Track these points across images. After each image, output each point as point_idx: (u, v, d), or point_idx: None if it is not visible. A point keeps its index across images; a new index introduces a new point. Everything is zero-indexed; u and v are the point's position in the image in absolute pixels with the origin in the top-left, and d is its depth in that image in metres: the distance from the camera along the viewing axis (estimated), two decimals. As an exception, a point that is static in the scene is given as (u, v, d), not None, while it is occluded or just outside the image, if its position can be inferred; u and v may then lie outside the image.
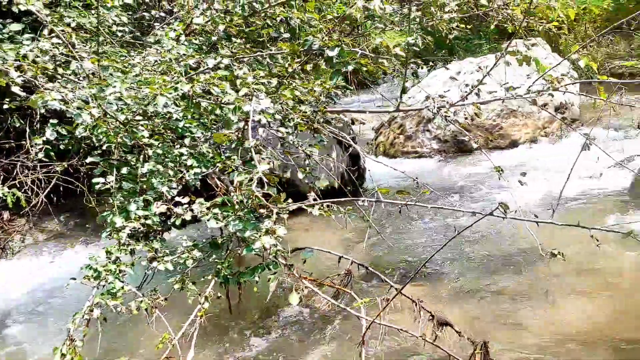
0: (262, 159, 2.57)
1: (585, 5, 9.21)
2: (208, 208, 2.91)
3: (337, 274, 3.29)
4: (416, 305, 2.80)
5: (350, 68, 2.49)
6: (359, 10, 2.39)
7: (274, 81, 3.08)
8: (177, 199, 2.91)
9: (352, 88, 10.58)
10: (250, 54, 3.08)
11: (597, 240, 2.28)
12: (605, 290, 3.22)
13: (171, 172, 3.27)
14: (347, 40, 2.52)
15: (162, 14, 5.71)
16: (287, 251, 3.74)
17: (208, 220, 2.88)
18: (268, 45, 3.14)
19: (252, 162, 3.13)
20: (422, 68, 13.76)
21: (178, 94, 3.18)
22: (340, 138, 4.22)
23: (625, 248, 3.49)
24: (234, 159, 3.28)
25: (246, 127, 3.32)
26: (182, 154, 3.31)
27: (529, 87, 3.51)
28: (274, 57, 3.10)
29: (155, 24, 5.50)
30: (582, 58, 4.40)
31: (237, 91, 2.91)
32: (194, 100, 3.26)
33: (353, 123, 10.10)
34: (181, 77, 3.31)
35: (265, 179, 2.25)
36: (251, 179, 2.29)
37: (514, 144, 6.82)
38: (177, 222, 2.97)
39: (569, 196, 4.70)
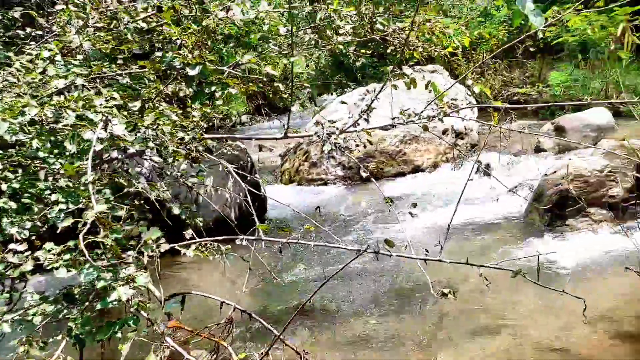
0: (99, 198, 2.17)
1: (480, 32, 9.59)
2: (59, 254, 2.46)
3: (216, 323, 2.90)
4: (301, 357, 2.47)
5: (214, 89, 2.17)
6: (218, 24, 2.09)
7: (138, 104, 2.69)
8: (11, 246, 2.43)
9: (236, 115, 10.30)
10: (108, 73, 2.69)
11: (487, 280, 2.08)
12: (502, 328, 3.05)
13: (33, 209, 2.79)
14: (212, 57, 2.19)
15: (40, 32, 5.16)
16: (162, 298, 3.31)
17: (57, 268, 2.42)
18: (129, 63, 2.77)
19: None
20: (331, 94, 13.90)
21: (25, 119, 2.72)
22: (227, 167, 3.85)
23: (519, 281, 3.37)
24: (104, 192, 2.86)
25: (109, 156, 2.92)
26: (47, 188, 2.84)
27: (421, 112, 3.37)
28: (138, 77, 2.72)
29: (32, 42, 4.96)
30: (476, 85, 4.36)
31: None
32: (46, 127, 2.81)
33: (260, 149, 9.78)
34: (30, 100, 2.85)
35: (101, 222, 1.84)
36: (84, 223, 1.88)
37: (417, 170, 6.78)
38: (15, 274, 2.48)
39: (466, 223, 4.64)
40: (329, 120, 3.34)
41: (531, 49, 8.60)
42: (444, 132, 6.98)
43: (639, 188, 3.73)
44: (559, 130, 6.62)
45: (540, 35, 3.95)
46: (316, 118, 7.44)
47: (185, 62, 2.17)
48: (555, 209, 4.35)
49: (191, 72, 2.12)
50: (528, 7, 4.11)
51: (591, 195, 4.24)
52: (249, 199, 3.59)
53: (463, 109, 4.09)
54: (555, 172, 4.49)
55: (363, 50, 6.05)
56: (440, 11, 3.65)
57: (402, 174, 6.72)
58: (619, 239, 3.45)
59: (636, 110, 7.62)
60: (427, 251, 2.60)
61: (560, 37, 8.96)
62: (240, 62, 2.27)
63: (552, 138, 6.16)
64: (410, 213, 2.76)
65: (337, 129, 3.29)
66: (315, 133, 3.31)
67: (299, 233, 5.07)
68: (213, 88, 2.16)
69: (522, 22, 4.66)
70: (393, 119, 4.24)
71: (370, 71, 12.11)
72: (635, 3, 7.36)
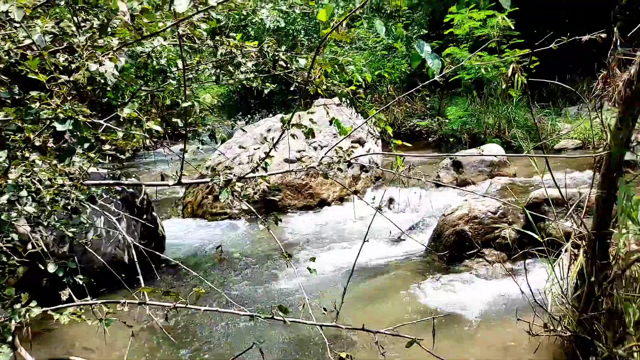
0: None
1: (380, 72, 9.92)
2: None
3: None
4: None
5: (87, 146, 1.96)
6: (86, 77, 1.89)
7: (3, 154, 2.40)
8: None
9: (130, 149, 9.82)
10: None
11: (382, 348, 2.01)
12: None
13: None
14: (85, 109, 1.97)
15: None
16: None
17: None
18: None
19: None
20: (240, 120, 13.65)
21: None
22: (112, 219, 3.57)
23: (421, 332, 3.34)
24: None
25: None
26: None
27: (321, 158, 3.31)
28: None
29: None
30: (379, 125, 4.40)
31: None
32: None
33: (163, 178, 9.32)
34: None
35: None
36: None
37: (323, 203, 6.77)
38: None
39: (368, 264, 4.63)
40: (226, 167, 3.19)
41: (425, 90, 9.02)
42: (349, 165, 7.04)
43: (529, 231, 3.90)
44: (457, 166, 6.91)
45: (437, 78, 4.08)
46: (211, 163, 7.15)
47: (54, 115, 1.94)
48: (453, 249, 4.46)
49: (60, 127, 1.89)
50: (426, 51, 4.22)
51: (485, 237, 4.40)
52: (160, 230, 3.32)
53: (366, 155, 4.10)
54: (452, 212, 4.62)
55: (268, 84, 5.97)
56: (336, 65, 3.63)
57: (309, 208, 6.67)
58: (510, 281, 3.56)
59: (525, 145, 8.17)
60: (325, 310, 2.51)
61: (457, 74, 9.46)
62: (119, 116, 2.07)
63: (450, 174, 6.43)
64: (309, 268, 2.66)
65: (234, 175, 3.14)
66: (212, 180, 3.15)
67: (198, 273, 4.80)
68: (86, 145, 1.95)
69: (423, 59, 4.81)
70: (300, 151, 4.14)
71: (279, 98, 12.10)
72: (524, 47, 7.93)
